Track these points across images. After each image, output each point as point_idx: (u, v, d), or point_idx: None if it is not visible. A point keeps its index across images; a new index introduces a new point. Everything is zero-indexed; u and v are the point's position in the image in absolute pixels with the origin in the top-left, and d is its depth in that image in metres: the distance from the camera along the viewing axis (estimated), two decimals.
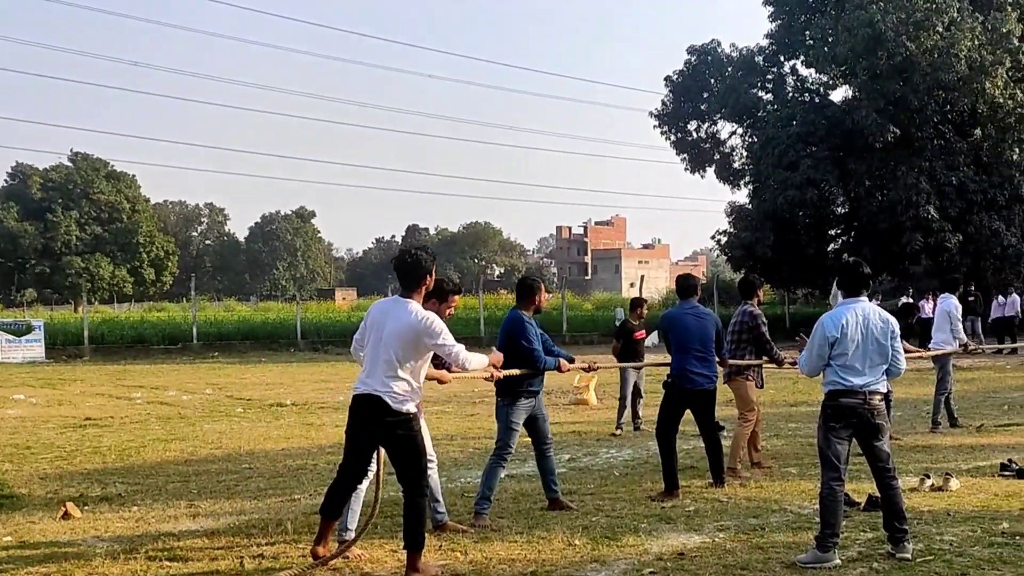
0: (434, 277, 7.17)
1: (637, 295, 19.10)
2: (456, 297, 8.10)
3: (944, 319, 13.88)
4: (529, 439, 9.08)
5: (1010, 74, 36.14)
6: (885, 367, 7.33)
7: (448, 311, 7.96)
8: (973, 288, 31.28)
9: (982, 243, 37.02)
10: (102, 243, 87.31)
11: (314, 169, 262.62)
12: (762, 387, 11.45)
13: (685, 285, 9.98)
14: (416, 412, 6.92)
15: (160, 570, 7.07)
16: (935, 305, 28.89)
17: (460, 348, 7.03)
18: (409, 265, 7.01)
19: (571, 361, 9.27)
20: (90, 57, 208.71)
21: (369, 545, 7.61)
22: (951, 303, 13.99)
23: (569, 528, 8.11)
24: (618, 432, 14.21)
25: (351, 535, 7.37)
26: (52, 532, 8.40)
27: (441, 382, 8.06)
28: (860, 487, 9.09)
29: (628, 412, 14.65)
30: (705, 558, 7.17)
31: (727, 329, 10.66)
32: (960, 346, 13.93)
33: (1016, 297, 32.62)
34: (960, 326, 13.92)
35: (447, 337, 6.93)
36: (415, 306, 6.93)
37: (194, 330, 36.19)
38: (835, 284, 14.48)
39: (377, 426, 6.83)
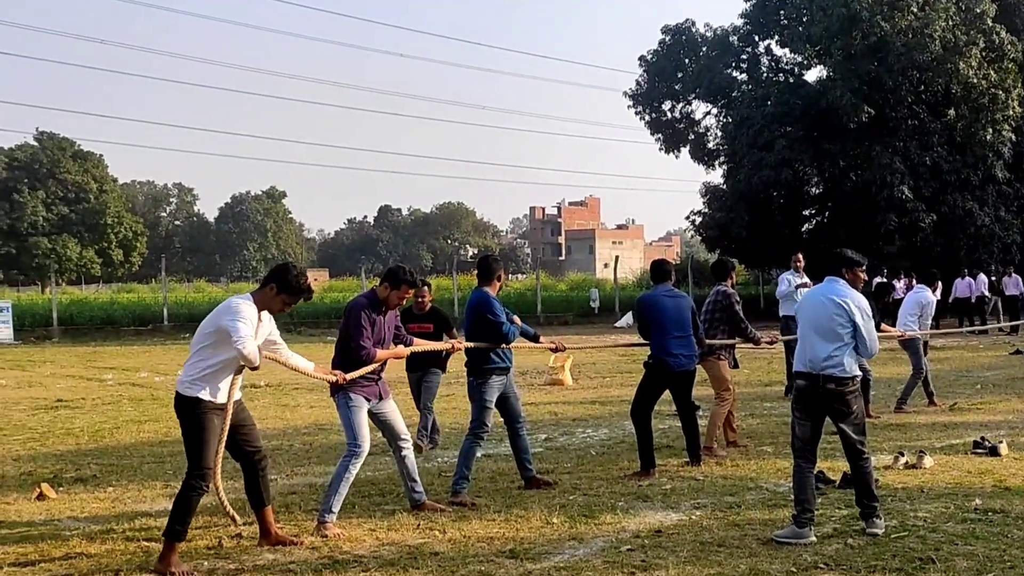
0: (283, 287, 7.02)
1: (612, 274, 19.02)
2: (410, 290, 8.07)
3: (915, 307, 14.12)
4: (502, 419, 9.12)
5: (983, 54, 36.29)
6: (845, 348, 7.29)
7: (400, 299, 8.02)
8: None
9: (956, 223, 37.23)
10: (69, 224, 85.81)
11: (285, 149, 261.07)
12: (736, 367, 11.52)
13: (660, 270, 10.14)
14: (200, 398, 6.79)
15: (138, 549, 7.06)
16: (907, 286, 29.30)
17: (247, 339, 6.71)
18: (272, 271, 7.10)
19: (536, 340, 9.38)
20: (56, 35, 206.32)
21: (347, 524, 7.62)
22: (926, 294, 14.27)
23: (547, 507, 8.14)
24: (422, 444, 11.12)
25: (333, 516, 7.52)
26: (28, 513, 8.37)
27: (398, 358, 8.34)
28: (835, 465, 9.16)
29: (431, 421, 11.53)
30: (682, 535, 7.21)
31: (701, 309, 10.75)
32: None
33: (983, 277, 32.81)
34: (929, 316, 14.26)
35: (238, 324, 6.75)
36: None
37: (165, 311, 35.95)
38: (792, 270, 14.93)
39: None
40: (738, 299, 11.15)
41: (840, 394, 7.23)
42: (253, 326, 6.79)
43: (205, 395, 6.77)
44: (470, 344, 8.68)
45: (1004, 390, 16.06)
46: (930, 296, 14.42)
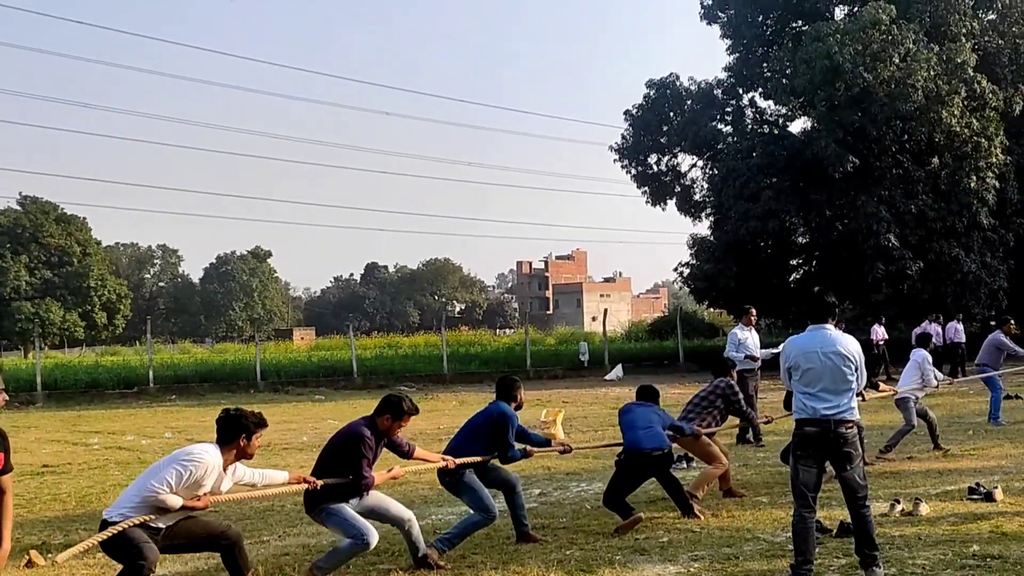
0: (250, 433, 6.99)
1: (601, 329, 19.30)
2: (412, 418, 8.10)
3: (915, 369, 14.25)
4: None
5: (965, 103, 36.62)
6: (852, 392, 7.38)
7: (403, 426, 8.04)
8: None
9: (942, 270, 37.36)
10: (52, 288, 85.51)
11: (270, 208, 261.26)
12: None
13: (648, 391, 10.55)
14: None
15: None
16: (942, 331, 29.56)
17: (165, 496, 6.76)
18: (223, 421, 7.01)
19: (547, 444, 9.59)
20: (38, 99, 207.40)
21: None
22: (922, 354, 14.51)
23: (544, 562, 8.06)
24: None
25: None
26: None
27: (394, 479, 8.65)
28: (831, 514, 9.11)
29: None
30: None
31: (696, 393, 11.68)
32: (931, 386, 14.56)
33: (959, 325, 32.59)
34: (931, 375, 14.36)
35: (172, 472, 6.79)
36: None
37: (150, 373, 35.53)
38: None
39: None
40: (738, 390, 11.69)
41: (850, 437, 7.31)
42: (191, 479, 6.75)
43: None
44: (462, 460, 8.64)
45: (996, 435, 16.04)
46: (925, 354, 14.57)
